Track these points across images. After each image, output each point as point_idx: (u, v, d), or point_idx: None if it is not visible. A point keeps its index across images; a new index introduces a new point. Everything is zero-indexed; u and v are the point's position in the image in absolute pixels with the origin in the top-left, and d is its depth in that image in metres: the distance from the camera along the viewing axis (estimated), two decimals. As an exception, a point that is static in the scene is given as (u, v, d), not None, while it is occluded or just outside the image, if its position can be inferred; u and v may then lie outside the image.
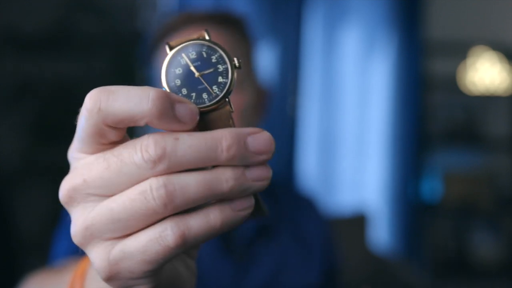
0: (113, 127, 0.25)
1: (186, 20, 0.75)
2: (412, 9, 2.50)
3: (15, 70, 1.96)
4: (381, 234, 2.42)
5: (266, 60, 2.18)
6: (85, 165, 0.26)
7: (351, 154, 2.46)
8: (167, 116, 0.25)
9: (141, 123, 0.25)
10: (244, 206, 0.26)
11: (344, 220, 1.88)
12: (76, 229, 0.26)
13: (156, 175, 0.24)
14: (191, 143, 0.24)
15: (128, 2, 2.15)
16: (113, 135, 0.26)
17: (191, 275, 0.31)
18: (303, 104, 2.36)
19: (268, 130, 0.27)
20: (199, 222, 0.25)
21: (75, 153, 0.27)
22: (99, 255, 0.26)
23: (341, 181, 2.46)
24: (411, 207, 2.53)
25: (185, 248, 0.25)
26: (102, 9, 1.99)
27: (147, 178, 0.25)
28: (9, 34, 1.92)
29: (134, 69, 2.07)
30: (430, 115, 2.66)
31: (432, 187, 2.66)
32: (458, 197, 2.62)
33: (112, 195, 0.25)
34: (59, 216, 0.75)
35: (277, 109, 2.16)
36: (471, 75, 2.68)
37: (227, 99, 0.28)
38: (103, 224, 0.25)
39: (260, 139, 0.26)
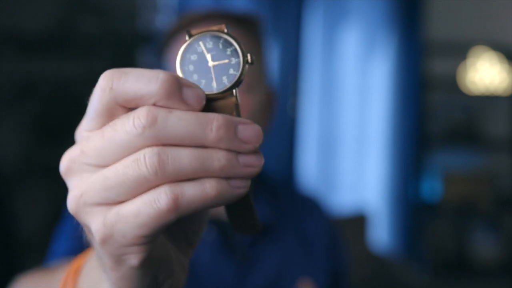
0: (124, 106, 0.27)
1: (200, 19, 0.75)
2: (412, 10, 2.50)
3: (15, 70, 1.96)
4: (381, 234, 2.43)
5: (267, 58, 2.18)
6: (84, 138, 0.27)
7: (351, 154, 2.46)
8: (174, 97, 0.26)
9: (149, 102, 0.26)
10: (240, 184, 0.27)
11: (344, 220, 1.88)
12: (71, 197, 0.27)
13: (146, 145, 0.25)
14: (182, 117, 0.25)
15: (128, 2, 2.15)
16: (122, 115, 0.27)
17: (182, 272, 0.32)
18: (303, 104, 2.36)
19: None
20: (194, 189, 0.26)
21: (82, 132, 0.28)
22: (94, 219, 0.26)
23: (341, 181, 2.46)
24: (411, 207, 2.53)
25: (178, 214, 0.25)
26: (102, 9, 1.99)
27: (138, 147, 0.25)
28: (10, 34, 1.92)
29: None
30: (430, 115, 2.66)
31: (432, 187, 2.66)
32: (458, 197, 2.62)
33: (107, 165, 0.26)
34: (59, 216, 0.75)
35: (277, 109, 2.16)
36: (471, 75, 2.68)
37: (234, 91, 0.29)
38: (96, 191, 0.26)
39: (249, 129, 0.27)
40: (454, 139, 2.67)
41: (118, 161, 0.26)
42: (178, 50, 0.29)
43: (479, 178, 2.66)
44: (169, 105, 0.26)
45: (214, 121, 0.26)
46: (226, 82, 0.28)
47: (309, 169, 2.40)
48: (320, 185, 2.39)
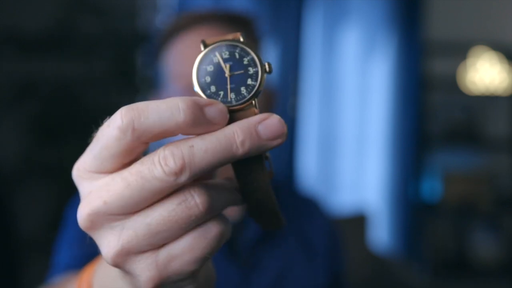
0: (145, 142, 0.26)
1: (195, 19, 0.74)
2: (412, 9, 2.50)
3: (15, 70, 1.96)
4: (381, 234, 2.42)
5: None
6: (102, 187, 0.26)
7: (351, 154, 2.46)
8: (200, 121, 0.25)
9: (176, 134, 0.25)
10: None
11: (344, 220, 1.88)
12: (112, 251, 0.26)
13: (180, 185, 0.25)
14: (206, 148, 0.25)
15: (129, 2, 2.15)
16: (141, 151, 0.27)
17: (214, 274, 0.34)
18: (303, 104, 2.36)
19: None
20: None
21: (86, 173, 0.26)
22: (146, 266, 0.26)
23: (341, 181, 2.46)
24: (411, 207, 2.53)
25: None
26: (102, 9, 1.99)
27: (170, 190, 0.25)
28: (10, 34, 1.92)
29: (134, 69, 2.07)
30: (430, 115, 2.66)
31: (432, 187, 2.66)
32: (458, 197, 2.62)
33: (135, 212, 0.25)
34: (59, 216, 0.75)
35: (278, 110, 2.16)
36: (471, 75, 2.68)
37: (253, 101, 0.28)
38: (142, 240, 0.25)
39: (271, 125, 0.26)
40: (454, 139, 2.67)
41: (149, 205, 0.25)
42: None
43: (479, 178, 2.66)
44: (197, 130, 0.25)
45: (236, 137, 0.25)
46: (245, 93, 0.28)
47: (309, 169, 2.40)
48: (320, 185, 2.39)
